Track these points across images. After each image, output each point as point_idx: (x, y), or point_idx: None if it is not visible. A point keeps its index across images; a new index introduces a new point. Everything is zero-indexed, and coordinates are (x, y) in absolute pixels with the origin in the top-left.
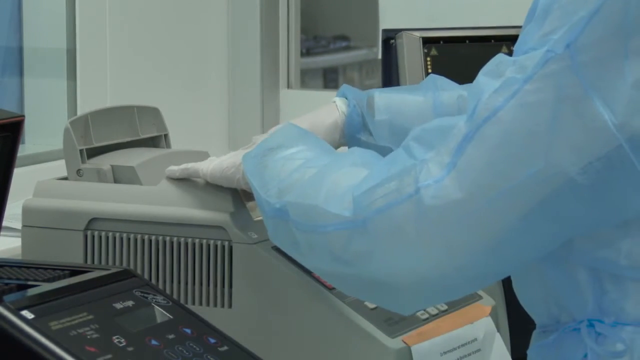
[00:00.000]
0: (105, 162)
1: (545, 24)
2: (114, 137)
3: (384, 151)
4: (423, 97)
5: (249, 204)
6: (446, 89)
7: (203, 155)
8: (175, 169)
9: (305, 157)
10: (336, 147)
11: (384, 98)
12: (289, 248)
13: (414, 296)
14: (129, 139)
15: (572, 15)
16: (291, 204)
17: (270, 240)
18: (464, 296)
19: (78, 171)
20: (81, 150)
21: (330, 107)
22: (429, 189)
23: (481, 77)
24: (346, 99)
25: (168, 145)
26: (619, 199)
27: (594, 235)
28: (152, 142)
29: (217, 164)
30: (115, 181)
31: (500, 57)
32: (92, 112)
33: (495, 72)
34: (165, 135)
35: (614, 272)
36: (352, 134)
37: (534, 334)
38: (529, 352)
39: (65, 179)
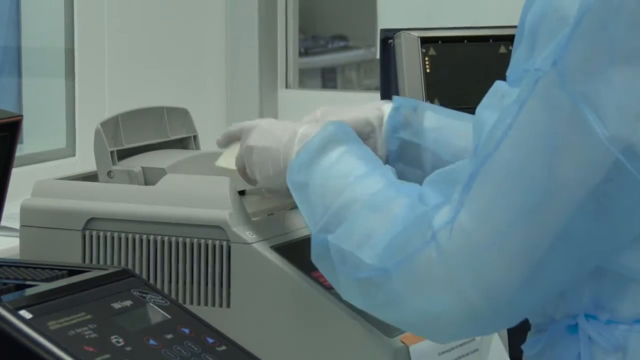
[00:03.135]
0: (135, 164)
1: (535, 46)
2: (144, 138)
3: (425, 153)
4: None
5: (248, 201)
6: None
7: None
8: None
9: (347, 172)
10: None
11: (434, 113)
12: (329, 277)
13: (447, 331)
14: (158, 141)
15: (556, 34)
16: (332, 245)
17: (312, 261)
18: (501, 329)
19: (109, 173)
20: (112, 152)
21: (370, 104)
22: (444, 231)
23: (481, 110)
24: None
25: (197, 147)
26: (626, 213)
27: None
28: (181, 144)
29: (263, 175)
30: (146, 183)
31: (496, 87)
32: (122, 114)
33: (493, 104)
34: (195, 137)
35: (613, 270)
36: (393, 132)
37: (529, 333)
38: (523, 346)
39: (64, 179)
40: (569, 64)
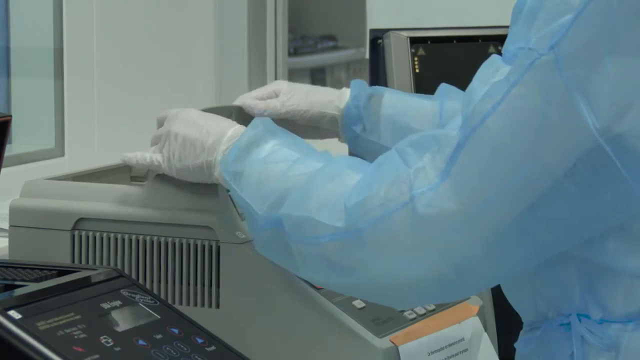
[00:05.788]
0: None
1: (533, 26)
2: None
3: (376, 148)
4: (431, 102)
5: None
6: (454, 98)
7: None
8: (131, 156)
9: (285, 158)
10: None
11: (392, 95)
12: (282, 259)
13: (412, 296)
14: None
15: (557, 18)
16: (285, 215)
17: (258, 251)
18: (466, 296)
19: None
20: None
21: (333, 91)
22: (423, 197)
23: (475, 81)
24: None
25: None
26: (606, 204)
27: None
28: None
29: (182, 165)
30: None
31: (492, 60)
32: None
33: (485, 77)
34: None
35: (602, 265)
36: (349, 125)
37: (522, 332)
38: (516, 345)
39: (54, 179)
40: (567, 50)
